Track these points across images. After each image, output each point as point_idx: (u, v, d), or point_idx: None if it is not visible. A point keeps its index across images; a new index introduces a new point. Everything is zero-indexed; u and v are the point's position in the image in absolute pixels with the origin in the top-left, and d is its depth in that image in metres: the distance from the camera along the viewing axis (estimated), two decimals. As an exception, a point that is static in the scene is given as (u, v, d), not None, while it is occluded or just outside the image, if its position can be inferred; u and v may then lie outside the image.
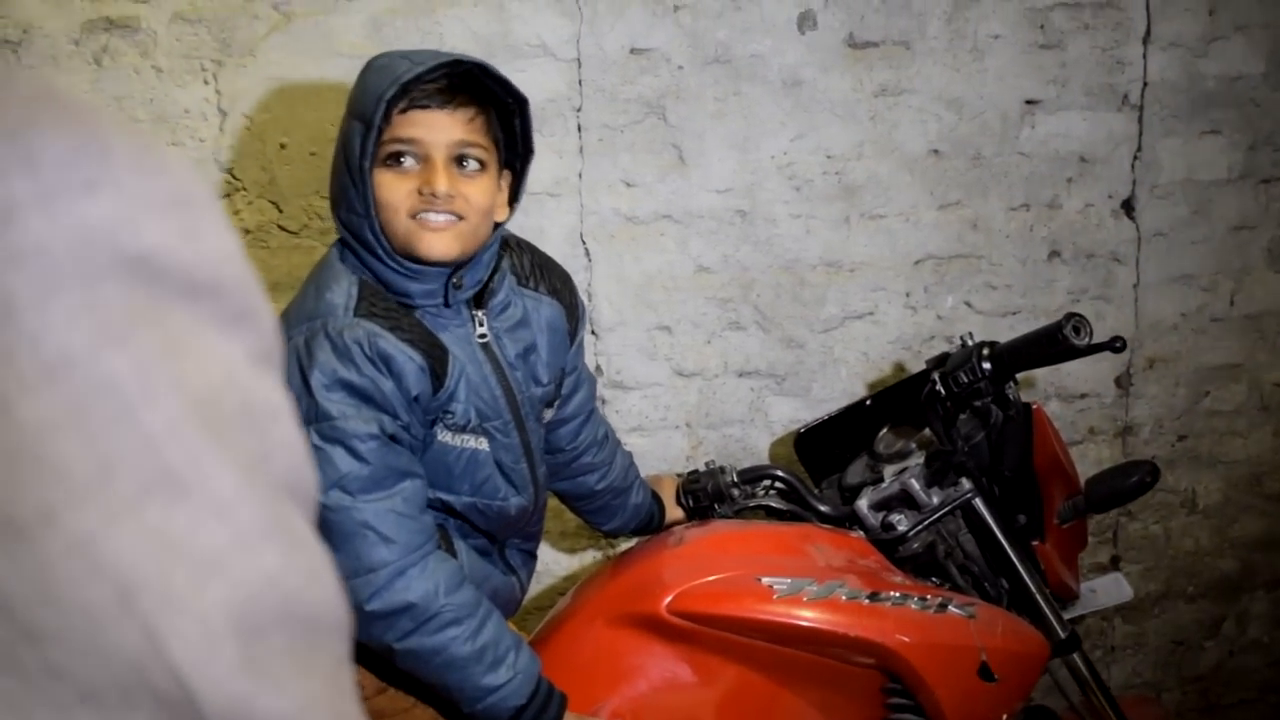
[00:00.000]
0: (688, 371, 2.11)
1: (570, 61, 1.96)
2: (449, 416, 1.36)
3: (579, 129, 1.98)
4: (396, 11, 1.89)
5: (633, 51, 1.97)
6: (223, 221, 0.38)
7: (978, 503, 1.68)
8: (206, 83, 1.87)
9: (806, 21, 2.02)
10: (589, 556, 2.16)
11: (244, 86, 1.87)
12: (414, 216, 1.33)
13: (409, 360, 1.30)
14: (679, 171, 2.03)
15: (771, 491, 1.81)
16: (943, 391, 1.62)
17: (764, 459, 2.17)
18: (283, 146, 1.90)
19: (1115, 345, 1.53)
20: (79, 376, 0.32)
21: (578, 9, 1.94)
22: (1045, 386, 2.29)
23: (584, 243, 2.02)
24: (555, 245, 1.94)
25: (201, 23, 1.85)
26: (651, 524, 1.78)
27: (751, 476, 1.81)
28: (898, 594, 1.52)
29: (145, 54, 1.85)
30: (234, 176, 1.90)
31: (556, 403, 1.56)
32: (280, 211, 1.92)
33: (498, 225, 1.43)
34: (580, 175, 1.99)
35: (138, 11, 1.83)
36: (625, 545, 2.06)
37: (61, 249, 0.32)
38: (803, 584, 1.48)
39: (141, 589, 0.32)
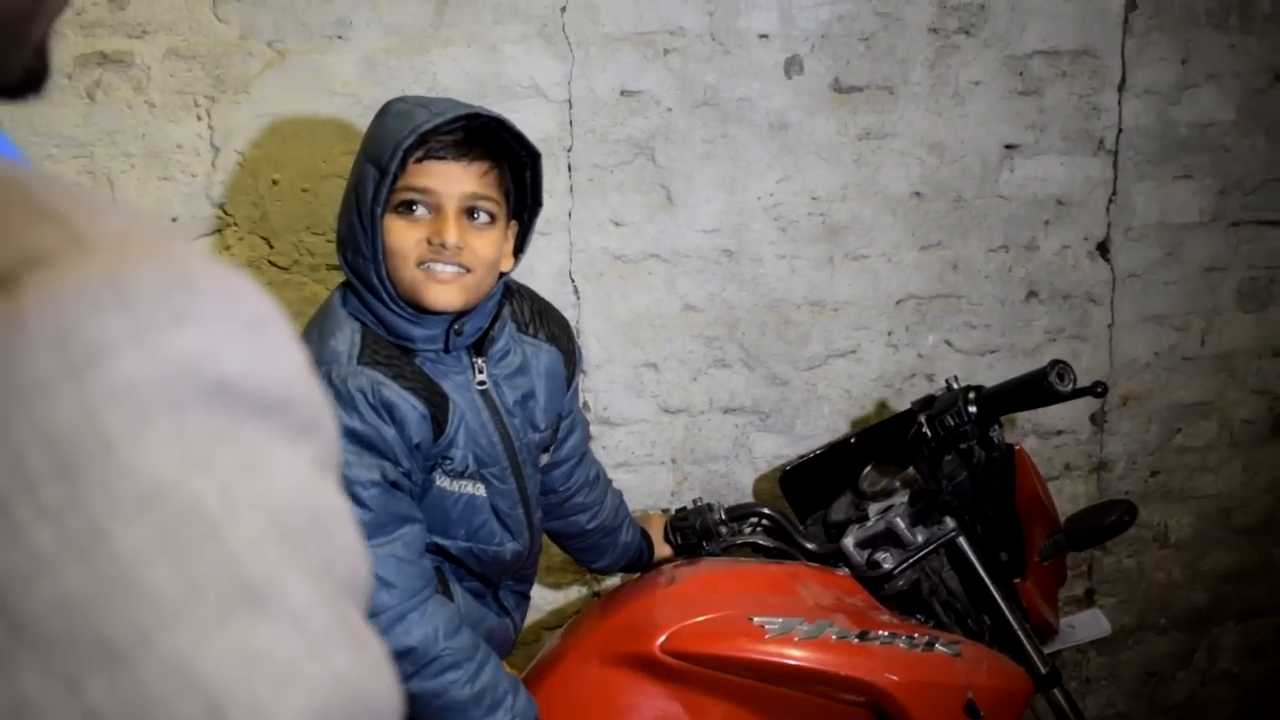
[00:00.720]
0: (673, 408, 2.14)
1: (561, 102, 1.98)
2: (448, 463, 1.38)
3: (569, 169, 2.00)
4: (391, 51, 1.91)
5: (623, 93, 2.01)
6: (292, 337, 0.39)
7: (961, 541, 1.71)
8: (199, 118, 1.88)
9: (793, 66, 2.06)
10: (575, 592, 2.17)
11: (237, 122, 1.89)
12: (421, 266, 1.35)
13: (411, 408, 1.31)
14: (667, 211, 2.06)
15: (758, 529, 1.84)
16: (929, 433, 1.66)
17: (748, 494, 2.20)
18: (275, 182, 1.91)
19: (1097, 390, 1.57)
20: (169, 503, 0.33)
21: (570, 51, 1.97)
22: (1022, 423, 2.33)
23: (573, 280, 2.05)
24: (544, 283, 1.97)
25: (195, 59, 1.86)
26: (640, 561, 1.80)
27: (739, 514, 1.84)
28: (886, 633, 1.55)
29: (138, 89, 1.85)
30: (225, 212, 1.91)
31: (552, 447, 1.58)
32: (271, 247, 1.93)
33: (502, 275, 1.45)
34: (570, 214, 2.02)
35: (131, 47, 1.84)
36: (611, 581, 2.08)
37: (153, 382, 0.34)
38: (794, 623, 1.51)
39: (230, 704, 0.33)
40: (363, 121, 1.90)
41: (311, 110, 1.90)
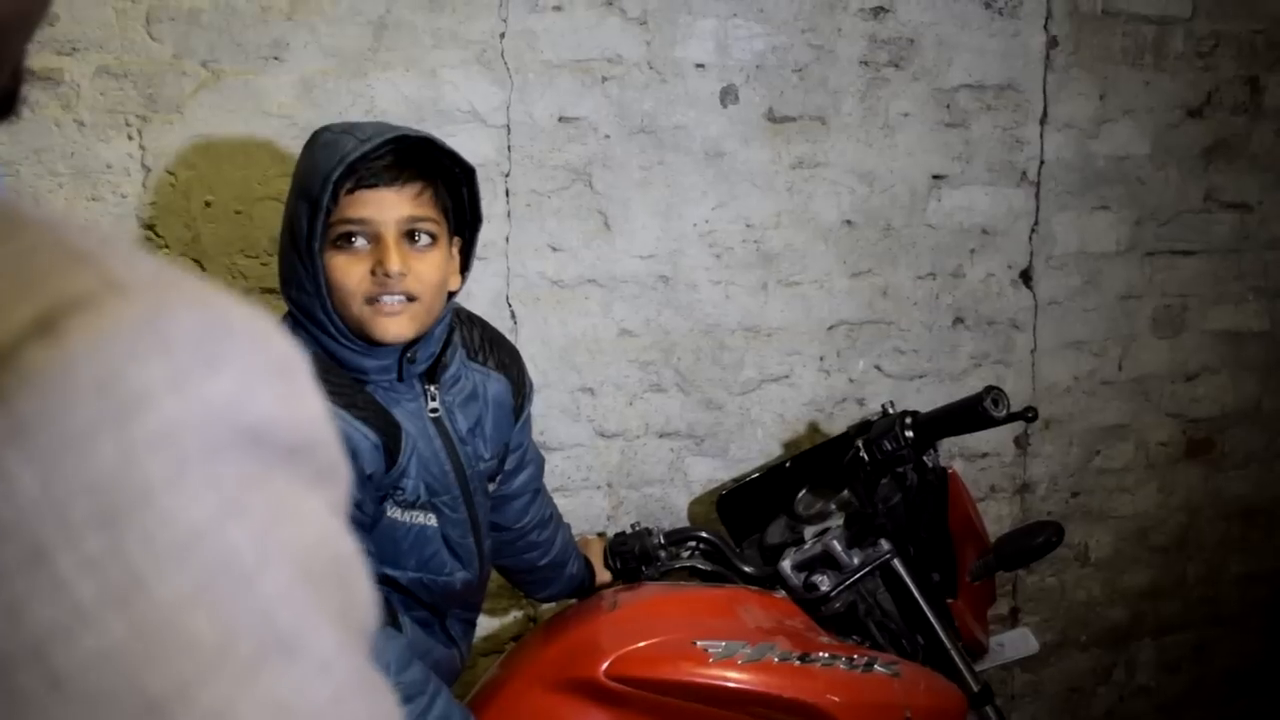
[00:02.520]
0: (609, 432, 2.14)
1: (500, 128, 1.99)
2: (399, 493, 1.36)
3: (507, 194, 2.01)
4: (328, 73, 1.90)
5: (561, 120, 2.02)
6: (313, 383, 0.39)
7: (896, 563, 1.74)
8: (130, 138, 1.85)
9: (729, 96, 2.10)
10: (511, 617, 2.16)
11: (169, 143, 1.85)
12: (369, 302, 1.33)
13: (364, 439, 1.30)
14: (604, 237, 2.07)
15: (697, 553, 1.84)
16: (866, 458, 1.69)
17: (683, 518, 2.22)
18: (207, 204, 1.88)
19: (1028, 415, 1.62)
20: (206, 551, 0.33)
21: (509, 77, 1.97)
22: (950, 446, 2.38)
23: (510, 305, 2.05)
24: (481, 307, 1.96)
25: (127, 77, 1.83)
26: (582, 589, 1.80)
27: (677, 538, 1.85)
28: (827, 655, 1.57)
29: (67, 107, 1.82)
30: (156, 234, 1.87)
31: (499, 477, 1.57)
32: (204, 270, 1.90)
33: (451, 294, 1.44)
34: (507, 239, 2.02)
35: (61, 64, 1.80)
36: (549, 606, 2.07)
37: (190, 428, 0.33)
38: (736, 647, 1.52)
39: None
40: (298, 144, 1.87)
41: (246, 131, 1.88)
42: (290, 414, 0.37)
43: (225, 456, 0.34)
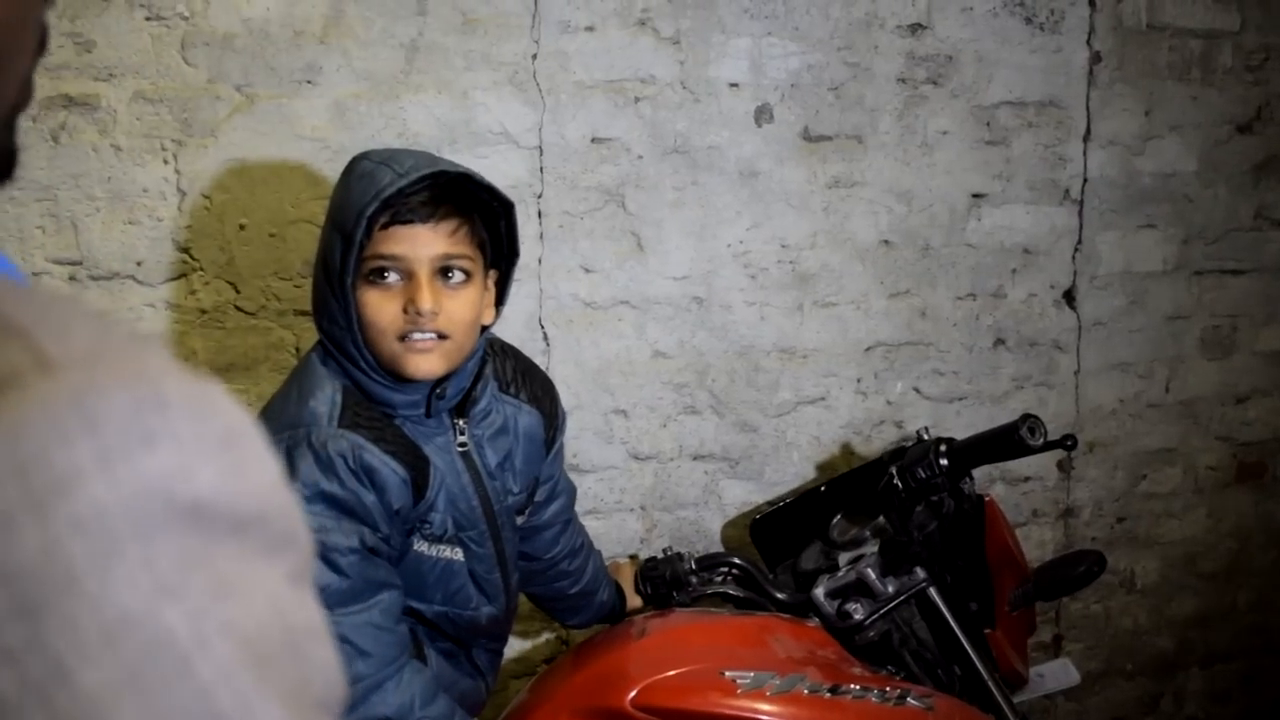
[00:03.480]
0: (643, 455, 2.13)
1: (532, 149, 1.98)
2: (426, 527, 1.35)
3: (539, 215, 2.00)
4: (360, 96, 1.90)
5: (594, 140, 2.01)
6: (265, 450, 0.38)
7: (932, 592, 1.71)
8: (166, 162, 1.87)
9: (763, 115, 2.08)
10: (543, 639, 2.15)
11: (204, 167, 1.87)
12: (401, 339, 1.31)
13: (392, 473, 1.28)
14: (637, 258, 2.06)
15: (729, 579, 1.82)
16: (900, 485, 1.66)
17: (717, 541, 2.19)
18: (242, 227, 1.89)
19: (1067, 444, 1.58)
20: (137, 636, 0.32)
21: (541, 98, 1.97)
22: (990, 470, 2.34)
23: (542, 327, 2.04)
24: (514, 329, 1.96)
25: (163, 102, 1.84)
26: (613, 615, 1.78)
27: (709, 563, 1.83)
28: (858, 687, 1.53)
29: (104, 132, 1.83)
30: (191, 256, 1.89)
31: (529, 510, 1.55)
32: (238, 292, 1.91)
33: (484, 328, 1.42)
34: (540, 260, 2.01)
35: (98, 90, 1.82)
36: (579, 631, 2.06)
37: (120, 509, 0.32)
38: (765, 678, 1.49)
39: None
40: (331, 167, 1.89)
41: (280, 155, 1.89)
42: (236, 486, 0.35)
43: (162, 536, 0.33)
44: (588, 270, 2.04)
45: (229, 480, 0.35)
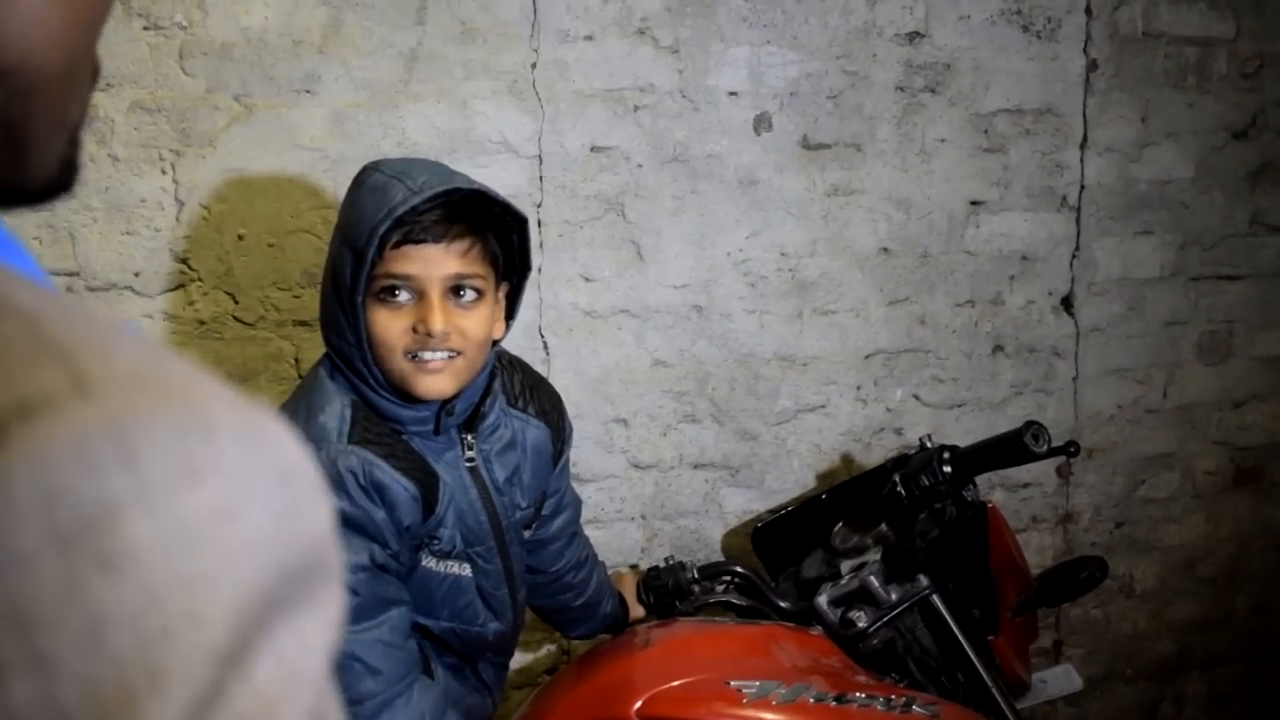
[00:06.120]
0: (643, 463, 2.12)
1: (531, 158, 1.98)
2: (435, 543, 1.34)
3: (539, 224, 1.99)
4: (359, 106, 1.90)
5: (593, 149, 2.01)
6: (322, 491, 0.35)
7: (935, 599, 1.71)
8: (164, 172, 1.86)
9: (762, 123, 2.08)
10: (545, 651, 2.14)
11: (202, 176, 1.86)
12: (409, 357, 1.29)
13: (403, 490, 1.27)
14: (637, 267, 2.05)
15: (731, 588, 1.82)
16: (903, 493, 1.65)
17: (718, 550, 2.19)
18: (240, 237, 1.89)
19: (1070, 450, 1.58)
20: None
21: (540, 107, 1.97)
22: (990, 476, 2.33)
23: (542, 336, 2.03)
24: (513, 338, 1.93)
25: (161, 112, 1.84)
26: (616, 625, 1.77)
27: (711, 572, 1.82)
28: (863, 695, 1.53)
29: (102, 142, 1.83)
30: (189, 267, 1.88)
31: (535, 524, 1.54)
32: (236, 303, 1.90)
33: (495, 342, 1.40)
34: (539, 269, 2.00)
35: (96, 99, 1.81)
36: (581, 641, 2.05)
37: (159, 551, 0.29)
38: (771, 687, 1.49)
39: None
40: (330, 176, 1.89)
41: (278, 165, 1.88)
42: (289, 528, 0.32)
43: (202, 584, 0.29)
44: (587, 279, 2.04)
45: (281, 522, 0.32)
